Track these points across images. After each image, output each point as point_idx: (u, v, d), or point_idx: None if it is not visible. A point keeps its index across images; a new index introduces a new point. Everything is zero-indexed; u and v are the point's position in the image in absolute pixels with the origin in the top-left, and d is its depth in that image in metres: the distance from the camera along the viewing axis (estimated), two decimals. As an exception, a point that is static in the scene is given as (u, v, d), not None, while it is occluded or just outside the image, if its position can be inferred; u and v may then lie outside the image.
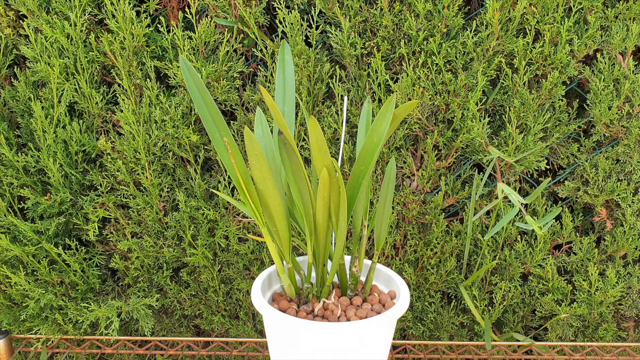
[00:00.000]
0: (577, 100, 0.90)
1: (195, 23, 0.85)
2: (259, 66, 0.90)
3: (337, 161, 0.68)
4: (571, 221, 0.92)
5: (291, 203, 0.65)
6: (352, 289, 0.68)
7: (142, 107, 0.88)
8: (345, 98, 0.67)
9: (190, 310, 0.99)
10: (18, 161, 0.90)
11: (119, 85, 0.89)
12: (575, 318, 0.95)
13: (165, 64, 0.87)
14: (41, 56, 0.87)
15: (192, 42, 0.85)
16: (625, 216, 0.89)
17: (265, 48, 0.87)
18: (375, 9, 0.83)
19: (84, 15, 0.85)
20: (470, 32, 0.82)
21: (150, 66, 0.87)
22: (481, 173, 0.90)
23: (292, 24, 0.83)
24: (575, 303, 0.92)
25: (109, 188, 0.93)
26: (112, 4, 0.83)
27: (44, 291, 0.91)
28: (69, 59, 0.87)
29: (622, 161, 0.89)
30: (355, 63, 0.86)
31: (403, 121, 0.87)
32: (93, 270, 0.96)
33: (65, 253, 0.92)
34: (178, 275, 0.99)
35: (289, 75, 0.67)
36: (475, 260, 0.95)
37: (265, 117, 0.66)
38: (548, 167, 0.93)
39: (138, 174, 0.90)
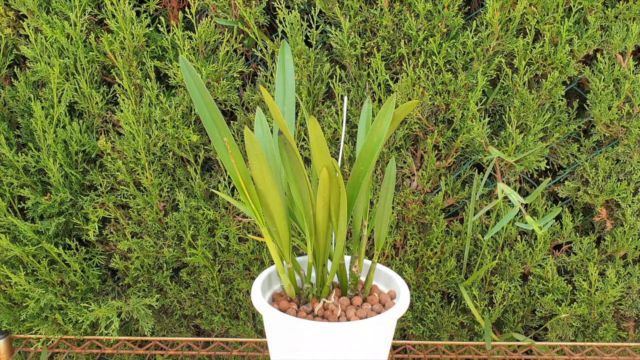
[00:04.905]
0: (577, 100, 0.90)
1: (195, 23, 0.85)
2: (259, 66, 0.90)
3: (337, 161, 0.68)
4: (571, 221, 0.92)
5: (291, 203, 0.65)
6: (352, 289, 0.68)
7: (142, 107, 0.88)
8: (345, 98, 0.67)
9: (190, 310, 0.99)
10: (18, 161, 0.90)
11: (119, 85, 0.89)
12: (575, 318, 0.95)
13: (165, 64, 0.87)
14: (41, 56, 0.87)
15: (192, 42, 0.85)
16: (625, 216, 0.89)
17: (265, 48, 0.87)
18: (375, 9, 0.83)
19: (84, 15, 0.85)
20: (470, 32, 0.82)
21: (150, 66, 0.87)
22: (481, 173, 0.90)
23: (292, 24, 0.83)
24: (575, 303, 0.92)
25: (109, 188, 0.93)
26: (112, 4, 0.83)
27: (44, 291, 0.91)
28: (69, 59, 0.87)
29: (622, 161, 0.89)
30: (355, 63, 0.86)
31: (403, 121, 0.87)
32: (93, 270, 0.96)
33: (65, 253, 0.92)
34: (178, 275, 0.99)
35: (289, 75, 0.67)
36: (475, 260, 0.95)
37: (265, 117, 0.66)
38: (548, 167, 0.93)
39: (138, 174, 0.90)
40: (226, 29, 0.88)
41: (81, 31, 0.86)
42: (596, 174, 0.89)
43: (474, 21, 0.84)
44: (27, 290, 0.91)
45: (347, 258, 0.71)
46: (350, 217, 0.64)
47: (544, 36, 0.82)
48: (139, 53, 0.87)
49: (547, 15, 0.82)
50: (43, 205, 0.91)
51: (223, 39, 0.86)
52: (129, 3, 0.84)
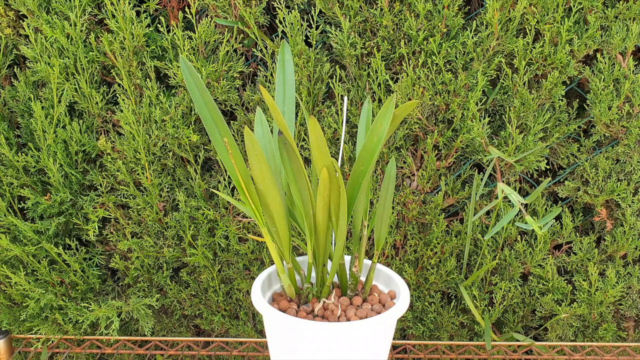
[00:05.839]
0: (577, 100, 0.90)
1: (195, 23, 0.85)
2: (259, 66, 0.90)
3: (337, 161, 0.68)
4: (571, 221, 0.92)
5: (291, 203, 0.65)
6: (352, 289, 0.68)
7: (142, 107, 0.88)
8: (345, 98, 0.67)
9: (190, 310, 0.99)
10: (18, 161, 0.90)
11: (119, 85, 0.89)
12: (575, 318, 0.95)
13: (165, 64, 0.87)
14: (41, 56, 0.87)
15: (192, 42, 0.85)
16: (625, 216, 0.89)
17: (265, 48, 0.87)
18: (375, 9, 0.83)
19: (84, 15, 0.85)
20: (470, 32, 0.82)
21: (150, 66, 0.87)
22: (481, 173, 0.90)
23: (292, 24, 0.83)
24: (575, 303, 0.92)
25: (109, 188, 0.93)
26: (112, 4, 0.83)
27: (44, 291, 0.91)
28: (69, 59, 0.87)
29: (622, 161, 0.89)
30: (355, 63, 0.86)
31: (403, 121, 0.87)
32: (93, 270, 0.96)
33: (65, 253, 0.92)
34: (178, 275, 0.99)
35: (289, 75, 0.67)
36: (475, 260, 0.95)
37: (265, 117, 0.66)
38: (548, 167, 0.93)
39: (138, 174, 0.90)
40: (226, 29, 0.88)
41: (81, 31, 0.86)
42: (596, 174, 0.89)
43: (474, 21, 0.84)
44: (27, 290, 0.91)
45: (347, 258, 0.71)
46: (350, 217, 0.64)
47: (544, 36, 0.82)
48: (139, 53, 0.87)
49: (547, 15, 0.82)
50: (43, 205, 0.91)
51: (223, 39, 0.86)
52: (129, 3, 0.84)
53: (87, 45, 0.88)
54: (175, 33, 0.84)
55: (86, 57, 0.87)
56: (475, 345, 0.93)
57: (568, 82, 0.89)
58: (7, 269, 0.90)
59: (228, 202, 0.91)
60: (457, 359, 0.90)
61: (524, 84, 0.84)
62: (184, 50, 0.85)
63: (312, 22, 0.85)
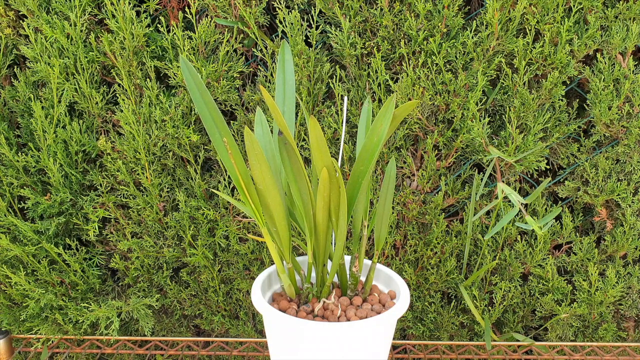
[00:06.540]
0: (577, 100, 0.90)
1: (195, 23, 0.85)
2: (259, 66, 0.90)
3: (337, 161, 0.68)
4: (571, 221, 0.92)
5: (291, 203, 0.65)
6: (352, 289, 0.68)
7: (142, 107, 0.88)
8: (345, 98, 0.67)
9: (190, 310, 0.99)
10: (18, 161, 0.90)
11: (119, 85, 0.89)
12: (575, 318, 0.95)
13: (165, 64, 0.87)
14: (41, 56, 0.87)
15: (192, 42, 0.85)
16: (625, 216, 0.89)
17: (265, 48, 0.87)
18: (375, 9, 0.83)
19: (84, 15, 0.85)
20: (470, 32, 0.82)
21: (150, 66, 0.87)
22: (481, 173, 0.90)
23: (292, 24, 0.83)
24: (575, 303, 0.92)
25: (109, 188, 0.93)
26: (112, 4, 0.83)
27: (44, 291, 0.91)
28: (69, 59, 0.87)
29: (622, 161, 0.89)
30: (355, 63, 0.86)
31: (403, 121, 0.87)
32: (93, 270, 0.96)
33: (66, 253, 0.92)
34: (178, 275, 0.99)
35: (289, 75, 0.67)
36: (475, 260, 0.95)
37: (265, 117, 0.66)
38: (548, 167, 0.93)
39: (138, 174, 0.90)
40: (226, 29, 0.88)
41: (81, 31, 0.86)
42: (596, 174, 0.89)
43: (474, 21, 0.84)
44: (27, 290, 0.91)
45: (347, 258, 0.71)
46: (350, 217, 0.64)
47: (544, 36, 0.82)
48: (139, 53, 0.87)
49: (547, 15, 0.82)
50: (43, 205, 0.91)
51: (223, 39, 0.86)
52: (129, 3, 0.84)
53: (87, 45, 0.88)
54: (175, 33, 0.84)
55: (86, 57, 0.87)
56: (475, 345, 0.93)
57: (568, 82, 0.89)
58: (7, 269, 0.90)
59: (228, 202, 0.91)
60: (457, 359, 0.90)
61: (524, 84, 0.84)
62: (184, 50, 0.85)
63: (312, 22, 0.85)
